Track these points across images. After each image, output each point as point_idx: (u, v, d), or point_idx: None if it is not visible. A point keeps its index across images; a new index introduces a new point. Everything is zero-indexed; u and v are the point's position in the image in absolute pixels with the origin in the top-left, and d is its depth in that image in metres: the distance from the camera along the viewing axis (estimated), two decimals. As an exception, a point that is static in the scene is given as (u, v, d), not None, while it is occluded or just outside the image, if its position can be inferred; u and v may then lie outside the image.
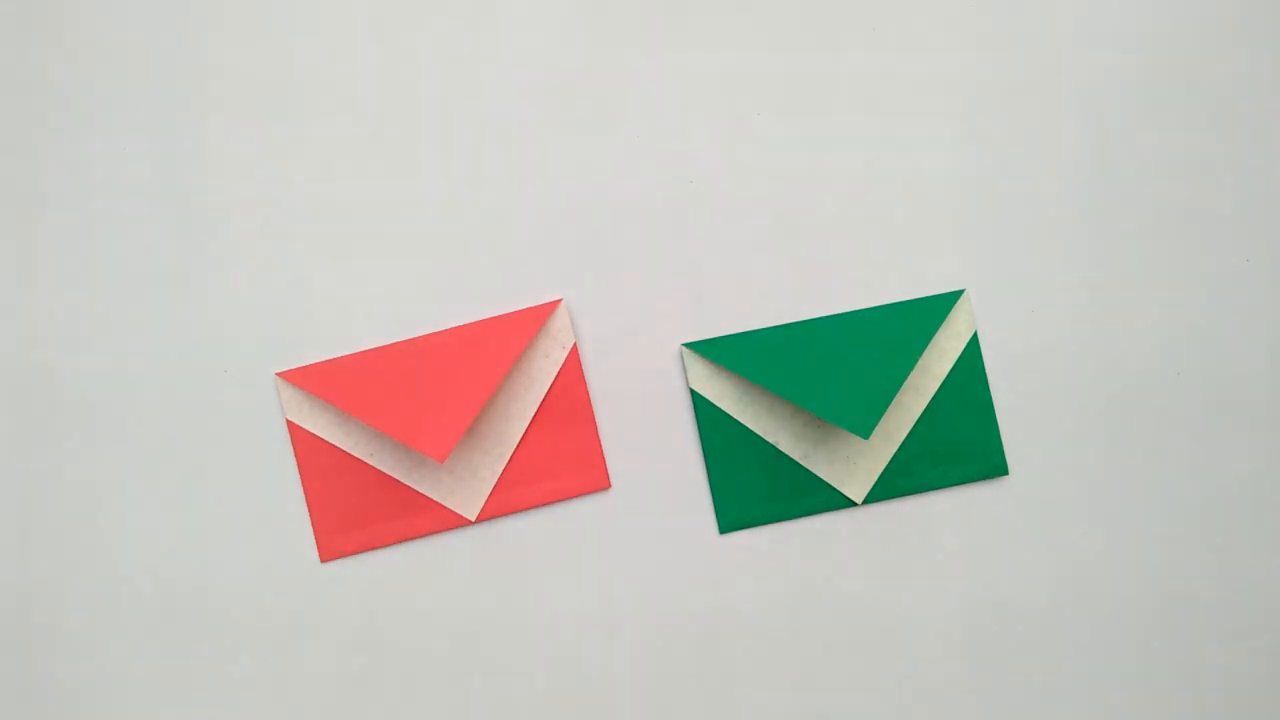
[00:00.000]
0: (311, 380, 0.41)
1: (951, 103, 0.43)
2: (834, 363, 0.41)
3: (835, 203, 0.43)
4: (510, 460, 0.41)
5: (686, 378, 0.42)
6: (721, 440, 0.41)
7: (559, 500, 0.41)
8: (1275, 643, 0.42)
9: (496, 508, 0.41)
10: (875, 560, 0.42)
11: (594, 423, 0.41)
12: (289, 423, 0.41)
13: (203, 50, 0.42)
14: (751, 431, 0.42)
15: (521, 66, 0.42)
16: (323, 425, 0.41)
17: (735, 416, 0.42)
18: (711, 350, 0.41)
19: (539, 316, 0.41)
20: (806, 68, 0.43)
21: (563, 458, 0.41)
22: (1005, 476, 0.42)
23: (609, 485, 0.41)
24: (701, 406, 0.42)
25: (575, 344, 0.42)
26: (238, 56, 0.42)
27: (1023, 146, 0.43)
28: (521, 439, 0.41)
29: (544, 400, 0.41)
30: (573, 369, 0.41)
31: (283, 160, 0.42)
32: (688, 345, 0.42)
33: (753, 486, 0.41)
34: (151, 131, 0.42)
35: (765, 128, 0.43)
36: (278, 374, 0.41)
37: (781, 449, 0.42)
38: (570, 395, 0.41)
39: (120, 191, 0.41)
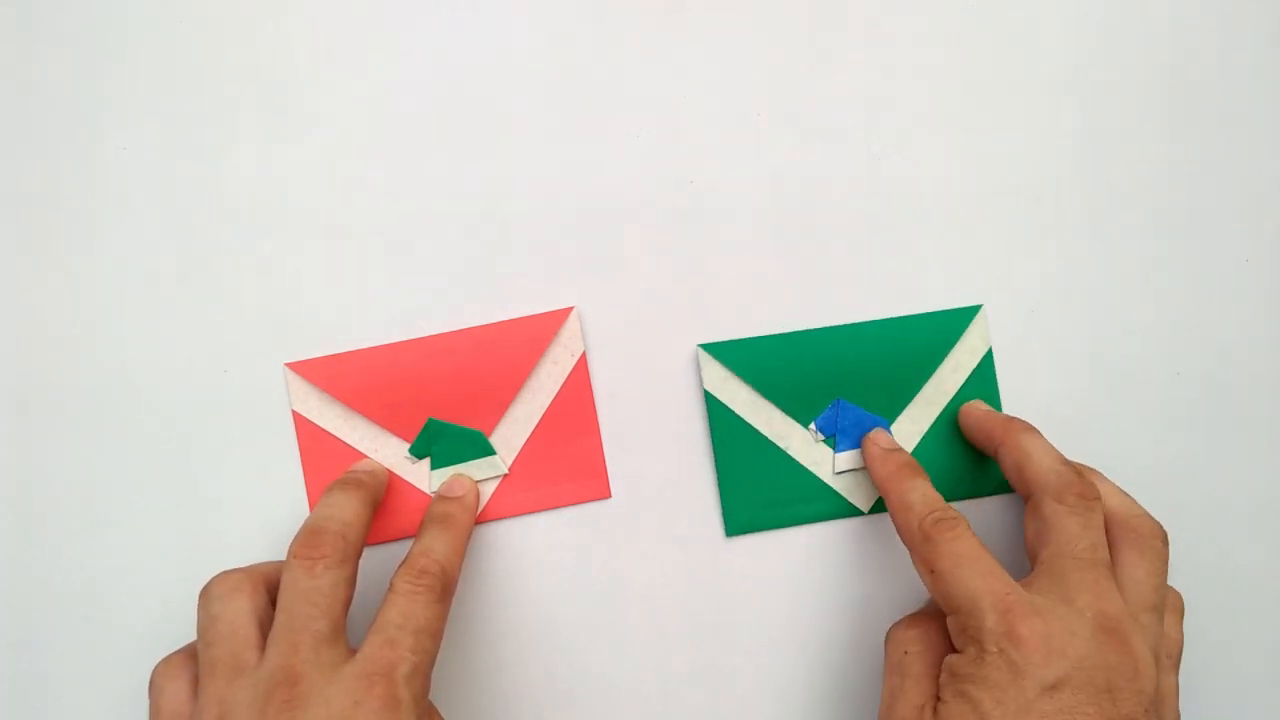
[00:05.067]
0: (320, 373, 0.41)
1: (951, 105, 0.43)
2: (849, 372, 0.41)
3: (844, 210, 0.42)
4: (512, 465, 0.41)
5: (701, 379, 0.42)
6: (732, 443, 0.41)
7: (558, 507, 0.41)
8: (1276, 643, 0.42)
9: (496, 510, 0.41)
10: (880, 568, 0.42)
11: (598, 431, 0.41)
12: (295, 414, 0.41)
13: (207, 46, 0.42)
14: (763, 436, 0.42)
15: (522, 66, 0.42)
16: (329, 419, 0.41)
17: (748, 420, 0.42)
18: (727, 353, 0.41)
19: (552, 324, 0.41)
20: (813, 69, 0.43)
21: (565, 465, 0.41)
22: (1010, 493, 0.42)
23: (609, 495, 0.41)
24: (714, 409, 0.41)
25: (585, 352, 0.42)
26: (245, 47, 0.42)
27: (1022, 147, 0.43)
28: (525, 445, 0.41)
29: (549, 407, 0.41)
30: (580, 376, 0.41)
31: (296, 163, 0.42)
32: (703, 346, 0.41)
33: (761, 491, 0.41)
34: (158, 127, 0.42)
35: (767, 128, 0.43)
36: (287, 364, 0.41)
37: (792, 455, 0.42)
38: (575, 402, 0.41)
39: (131, 185, 0.41)
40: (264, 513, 0.41)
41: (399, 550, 0.41)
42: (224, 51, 0.42)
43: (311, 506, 0.41)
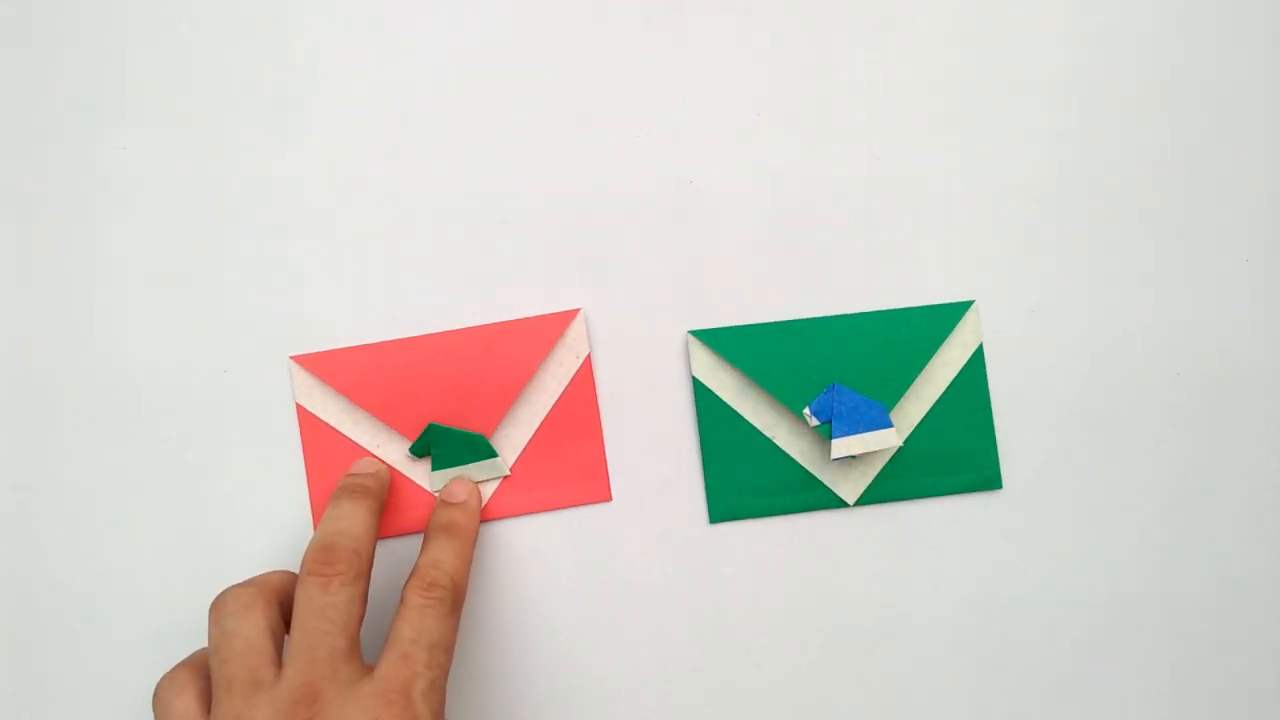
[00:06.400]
0: (324, 366, 0.41)
1: (951, 105, 0.43)
2: (839, 363, 0.41)
3: (845, 210, 0.42)
4: (514, 466, 0.41)
5: (690, 365, 0.42)
6: (719, 430, 0.41)
7: (558, 508, 0.41)
8: (1276, 644, 0.42)
9: (497, 510, 0.41)
10: (864, 561, 0.42)
11: (600, 434, 0.41)
12: (298, 407, 0.41)
13: (207, 46, 0.42)
14: (750, 424, 0.42)
15: (522, 66, 0.42)
16: (332, 413, 0.41)
17: (735, 408, 0.42)
18: (717, 339, 0.42)
19: (558, 325, 0.41)
20: (813, 69, 0.43)
21: (567, 466, 0.41)
22: (999, 490, 0.42)
23: (610, 497, 0.41)
24: (702, 395, 0.42)
25: (590, 354, 0.42)
26: (245, 47, 0.42)
27: (1022, 146, 0.43)
28: (527, 445, 0.41)
29: (553, 408, 0.41)
30: (584, 378, 0.41)
31: (296, 163, 0.42)
32: (693, 332, 0.42)
33: (747, 479, 0.41)
34: (158, 127, 0.42)
35: (767, 128, 0.43)
36: (292, 357, 0.41)
37: (778, 444, 0.42)
38: (579, 404, 0.41)
39: (131, 185, 0.41)
40: (264, 513, 0.41)
41: (399, 546, 0.41)
42: (224, 51, 0.42)
43: (313, 500, 0.41)
